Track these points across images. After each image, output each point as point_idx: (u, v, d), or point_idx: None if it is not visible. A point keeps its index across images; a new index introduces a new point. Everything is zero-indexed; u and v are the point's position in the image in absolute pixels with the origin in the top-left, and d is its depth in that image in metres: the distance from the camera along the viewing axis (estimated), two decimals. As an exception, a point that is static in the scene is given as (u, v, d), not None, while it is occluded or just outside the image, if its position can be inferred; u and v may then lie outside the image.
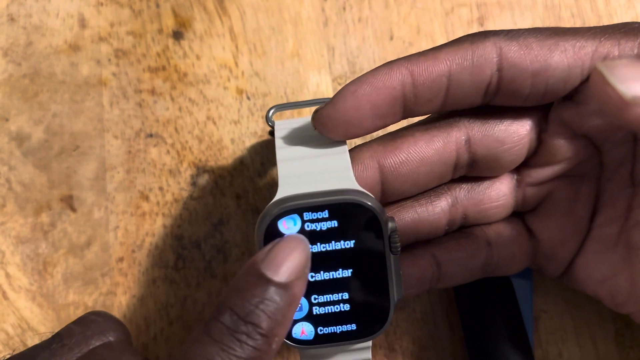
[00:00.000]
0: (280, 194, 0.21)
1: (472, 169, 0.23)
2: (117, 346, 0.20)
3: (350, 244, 0.20)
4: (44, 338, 0.26)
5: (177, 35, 0.29)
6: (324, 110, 0.21)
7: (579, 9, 0.30)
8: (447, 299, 0.27)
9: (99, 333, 0.20)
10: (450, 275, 0.23)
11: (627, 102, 0.17)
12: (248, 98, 0.29)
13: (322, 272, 0.20)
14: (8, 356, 0.20)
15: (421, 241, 0.24)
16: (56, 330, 0.27)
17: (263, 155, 0.28)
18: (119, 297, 0.27)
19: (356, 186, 0.21)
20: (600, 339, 0.27)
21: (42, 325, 0.27)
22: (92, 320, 0.20)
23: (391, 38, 0.30)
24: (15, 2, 0.29)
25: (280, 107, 0.25)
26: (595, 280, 0.23)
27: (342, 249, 0.20)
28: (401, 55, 0.29)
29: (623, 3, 0.30)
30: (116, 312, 0.27)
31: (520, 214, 0.24)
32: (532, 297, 0.26)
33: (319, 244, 0.20)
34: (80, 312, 0.27)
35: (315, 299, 0.21)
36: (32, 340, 0.26)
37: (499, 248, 0.23)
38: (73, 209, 0.28)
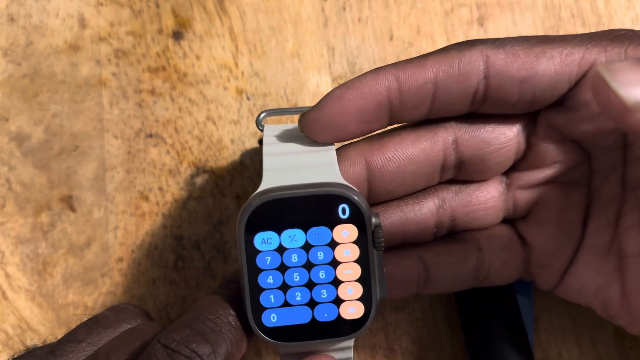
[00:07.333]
0: (263, 185, 0.20)
1: (460, 172, 0.23)
2: (148, 325, 0.22)
3: (331, 237, 0.20)
4: (44, 338, 0.26)
5: (177, 36, 0.29)
6: (310, 113, 0.21)
7: (579, 9, 0.30)
8: (447, 300, 0.27)
9: (130, 318, 0.22)
10: (439, 280, 0.23)
11: (629, 107, 0.17)
12: (248, 98, 0.29)
13: (301, 264, 0.20)
14: (40, 344, 0.21)
15: (409, 244, 0.23)
16: (55, 331, 0.27)
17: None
18: (118, 297, 0.27)
19: (341, 180, 0.21)
20: (600, 340, 0.27)
21: (41, 325, 0.27)
22: (124, 308, 0.22)
23: (391, 38, 0.29)
24: (15, 2, 0.29)
25: (271, 112, 0.25)
26: (589, 291, 0.23)
27: (323, 243, 0.20)
28: (401, 56, 0.29)
29: (623, 3, 0.30)
30: (116, 312, 0.27)
31: (512, 222, 0.24)
32: (532, 298, 0.26)
33: (298, 235, 0.20)
34: (80, 312, 0.27)
35: (292, 291, 0.20)
36: (32, 341, 0.26)
37: (490, 254, 0.23)
38: (73, 209, 0.28)
